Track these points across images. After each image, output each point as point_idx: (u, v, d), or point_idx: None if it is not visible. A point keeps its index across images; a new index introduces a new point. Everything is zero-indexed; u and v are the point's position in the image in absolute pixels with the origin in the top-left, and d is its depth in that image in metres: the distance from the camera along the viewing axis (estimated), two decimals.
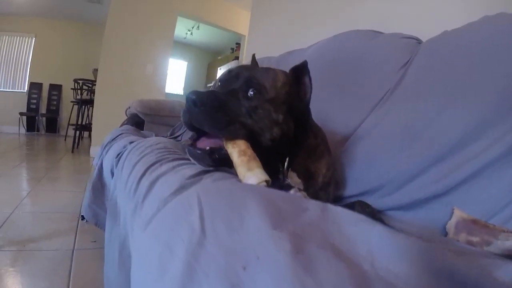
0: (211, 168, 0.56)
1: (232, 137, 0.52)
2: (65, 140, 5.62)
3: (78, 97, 4.68)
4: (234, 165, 0.51)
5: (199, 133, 0.57)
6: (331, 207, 0.32)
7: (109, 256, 0.86)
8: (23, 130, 6.16)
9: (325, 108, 1.15)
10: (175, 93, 7.46)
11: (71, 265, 1.20)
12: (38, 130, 6.38)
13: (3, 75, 6.25)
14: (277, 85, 0.60)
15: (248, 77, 0.59)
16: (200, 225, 0.28)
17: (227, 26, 5.00)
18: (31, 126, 6.28)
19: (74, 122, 4.66)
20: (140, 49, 4.17)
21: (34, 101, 6.31)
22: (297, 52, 1.67)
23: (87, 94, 4.86)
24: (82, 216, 1.51)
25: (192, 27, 6.16)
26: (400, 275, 0.23)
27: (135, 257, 0.37)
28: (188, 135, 1.92)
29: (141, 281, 0.32)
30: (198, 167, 0.57)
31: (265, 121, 0.57)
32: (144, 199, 0.54)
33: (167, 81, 4.54)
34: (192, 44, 7.49)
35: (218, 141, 0.56)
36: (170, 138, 1.87)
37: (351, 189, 0.91)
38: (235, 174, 0.52)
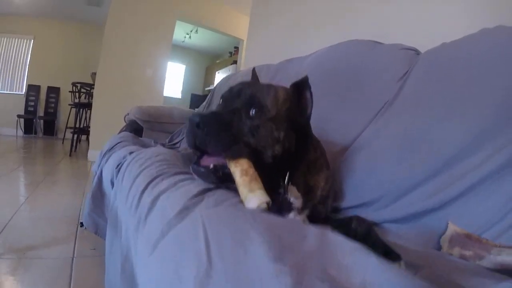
0: (212, 186, 0.57)
1: (235, 157, 0.54)
2: (62, 143, 5.62)
3: (76, 100, 4.68)
4: (236, 184, 0.52)
5: (202, 151, 0.59)
6: (329, 234, 0.33)
7: (110, 266, 0.87)
8: (20, 133, 6.14)
9: (325, 116, 1.16)
10: (174, 96, 7.48)
11: (71, 274, 1.20)
12: (35, 133, 6.38)
13: (1, 77, 6.24)
14: (278, 103, 0.61)
15: (249, 95, 0.60)
16: (206, 255, 0.29)
17: (226, 30, 5.02)
18: (28, 128, 6.27)
19: (72, 125, 4.66)
20: (139, 53, 4.19)
21: (32, 103, 6.29)
22: (296, 60, 1.68)
23: (85, 98, 4.87)
24: (81, 223, 1.52)
25: (191, 31, 6.18)
26: None
27: (144, 283, 0.38)
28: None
29: None
30: (199, 184, 0.58)
31: (267, 139, 0.58)
32: (147, 216, 0.55)
33: (165, 84, 4.56)
34: (191, 48, 7.52)
35: (221, 158, 0.57)
36: (169, 145, 1.88)
37: (349, 200, 0.93)
38: (236, 191, 0.54)
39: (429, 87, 0.92)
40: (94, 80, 4.31)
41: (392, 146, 0.91)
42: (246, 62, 2.81)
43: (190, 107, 7.52)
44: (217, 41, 6.63)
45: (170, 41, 4.51)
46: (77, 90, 4.68)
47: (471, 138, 0.75)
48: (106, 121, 3.90)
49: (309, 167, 0.75)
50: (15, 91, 6.33)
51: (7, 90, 6.28)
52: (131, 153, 1.07)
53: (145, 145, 1.58)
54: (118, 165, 1.06)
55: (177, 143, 1.94)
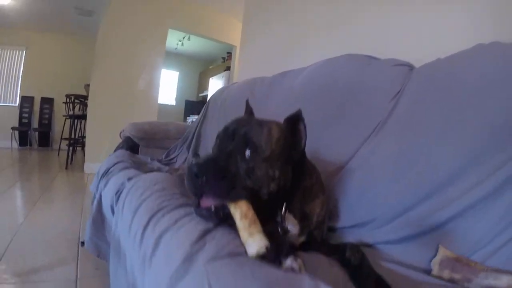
0: (212, 225, 0.60)
1: (234, 201, 0.57)
2: (58, 154, 5.60)
3: (71, 112, 4.68)
4: (236, 226, 0.55)
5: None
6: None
7: None
8: (15, 145, 6.12)
9: (318, 133, 1.18)
10: (168, 103, 7.49)
11: None
12: (30, 145, 6.37)
13: None
14: (272, 142, 0.63)
15: (244, 136, 0.62)
16: None
17: (218, 37, 5.03)
18: (23, 140, 6.25)
19: (67, 136, 4.64)
20: (132, 63, 4.20)
21: (26, 115, 6.27)
22: (291, 74, 1.66)
23: (79, 109, 4.86)
24: (82, 242, 1.54)
25: (183, 38, 6.19)
26: None
27: None
28: (182, 157, 1.96)
29: None
30: (199, 222, 0.61)
31: (263, 179, 0.60)
32: (152, 257, 0.59)
33: (159, 92, 4.57)
34: (183, 54, 7.52)
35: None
36: (166, 160, 1.90)
37: (344, 220, 0.96)
38: (236, 229, 0.57)
39: (422, 107, 0.93)
40: (87, 91, 4.31)
41: (385, 167, 0.93)
42: (240, 74, 2.82)
43: (185, 113, 7.54)
44: (209, 47, 6.64)
45: (163, 50, 4.52)
46: (70, 101, 4.67)
47: (460, 163, 0.77)
48: (101, 133, 3.91)
49: (305, 194, 0.77)
50: (9, 103, 6.31)
51: (0, 102, 6.26)
52: (129, 179, 1.09)
53: (141, 164, 1.60)
54: (117, 192, 1.08)
55: (173, 158, 1.97)
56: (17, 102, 6.31)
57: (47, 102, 6.47)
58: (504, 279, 0.62)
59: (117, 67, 4.09)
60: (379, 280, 0.58)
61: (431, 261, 0.72)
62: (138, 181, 0.99)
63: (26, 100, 6.30)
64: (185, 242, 0.54)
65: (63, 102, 4.97)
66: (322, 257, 0.69)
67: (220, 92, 2.23)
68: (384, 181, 0.92)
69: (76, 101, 4.70)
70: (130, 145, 1.96)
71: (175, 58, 7.36)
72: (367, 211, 0.91)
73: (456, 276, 0.68)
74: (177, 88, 7.94)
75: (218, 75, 6.41)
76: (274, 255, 0.50)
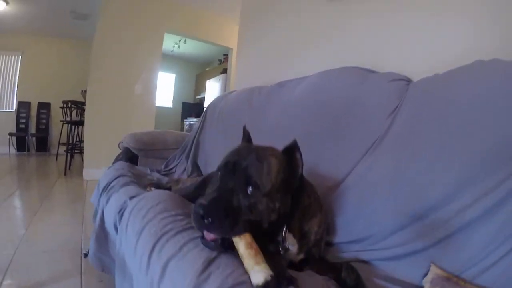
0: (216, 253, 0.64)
1: (238, 235, 0.61)
2: (56, 160, 5.61)
3: (68, 118, 4.68)
4: (240, 255, 0.59)
5: None
6: None
7: None
8: (13, 150, 6.11)
9: (316, 148, 1.20)
10: (165, 106, 7.50)
11: None
12: (28, 150, 6.37)
13: None
14: (272, 177, 0.67)
15: (244, 173, 0.66)
16: None
17: (215, 40, 5.05)
18: (21, 146, 6.26)
19: (64, 141, 4.64)
20: (128, 67, 4.21)
21: (23, 120, 6.28)
22: (288, 85, 1.67)
23: (76, 115, 4.87)
24: (85, 253, 1.57)
25: (180, 40, 6.20)
26: None
27: None
28: (181, 166, 1.98)
29: None
30: (203, 249, 0.65)
31: (263, 212, 0.65)
32: (160, 283, 0.62)
33: (156, 96, 4.59)
34: (180, 57, 7.54)
35: None
36: (165, 171, 1.93)
37: (341, 236, 0.99)
38: (238, 257, 0.60)
39: (419, 124, 0.94)
40: (84, 97, 4.31)
41: (382, 184, 0.95)
42: (237, 78, 2.83)
43: (182, 115, 7.56)
44: (206, 49, 6.67)
45: (160, 54, 4.54)
46: (67, 106, 4.68)
47: (459, 180, 0.78)
48: (99, 139, 3.94)
49: (304, 213, 0.81)
50: (5, 109, 6.30)
51: None
52: (131, 198, 1.12)
53: (141, 176, 1.63)
54: (119, 211, 1.11)
55: (172, 168, 1.99)
56: (14, 107, 6.31)
57: (44, 107, 6.47)
58: None
59: (113, 71, 4.10)
60: None
61: (423, 278, 0.76)
62: (140, 200, 1.02)
63: (23, 106, 6.30)
64: (191, 271, 0.58)
65: (60, 107, 4.97)
66: (320, 278, 0.72)
67: (218, 101, 2.25)
68: (381, 198, 0.94)
69: (73, 106, 4.70)
70: (129, 156, 1.99)
71: (172, 60, 7.38)
72: (365, 227, 0.94)
73: None
74: (174, 91, 7.97)
75: (215, 78, 6.42)
76: (277, 284, 0.54)
